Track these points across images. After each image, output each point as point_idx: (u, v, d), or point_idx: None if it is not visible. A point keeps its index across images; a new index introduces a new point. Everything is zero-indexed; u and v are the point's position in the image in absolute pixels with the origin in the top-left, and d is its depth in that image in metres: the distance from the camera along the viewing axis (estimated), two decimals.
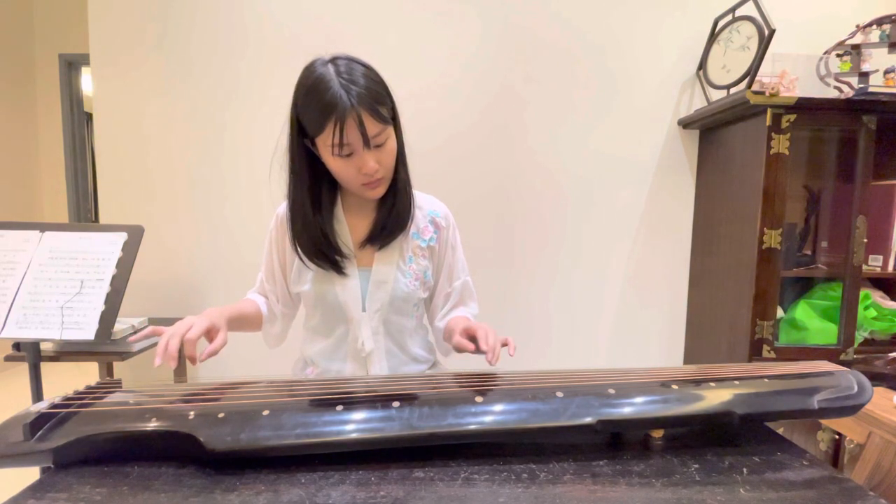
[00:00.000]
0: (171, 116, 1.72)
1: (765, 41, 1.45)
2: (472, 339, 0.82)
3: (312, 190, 0.86)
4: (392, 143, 0.82)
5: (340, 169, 0.80)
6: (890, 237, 1.57)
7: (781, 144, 1.42)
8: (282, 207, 0.93)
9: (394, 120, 0.83)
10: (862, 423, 1.00)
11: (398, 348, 0.95)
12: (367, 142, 0.77)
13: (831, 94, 1.50)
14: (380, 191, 0.85)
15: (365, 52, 0.84)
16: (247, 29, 1.69)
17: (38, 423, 0.56)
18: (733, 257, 1.58)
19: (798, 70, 1.51)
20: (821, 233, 1.71)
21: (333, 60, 0.77)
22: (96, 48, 1.69)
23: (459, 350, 0.84)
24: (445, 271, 0.99)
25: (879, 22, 1.46)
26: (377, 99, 0.77)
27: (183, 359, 0.74)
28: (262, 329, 0.99)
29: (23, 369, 1.27)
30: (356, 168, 0.79)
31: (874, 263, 1.61)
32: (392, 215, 0.88)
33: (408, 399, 0.59)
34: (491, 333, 0.80)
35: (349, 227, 0.90)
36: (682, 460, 0.57)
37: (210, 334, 0.77)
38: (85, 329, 1.11)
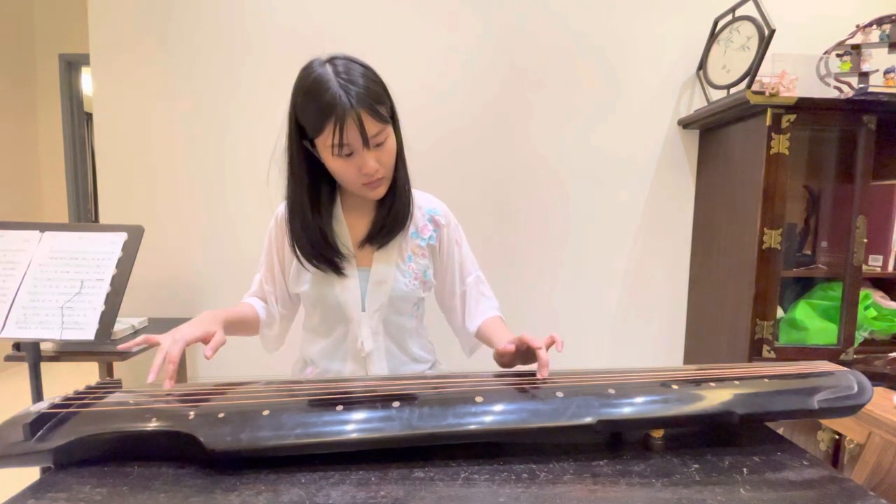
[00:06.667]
0: (172, 116, 1.72)
1: (765, 41, 1.45)
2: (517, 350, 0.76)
3: (311, 191, 0.85)
4: (392, 143, 0.82)
5: (341, 169, 0.80)
6: (890, 237, 1.57)
7: (781, 144, 1.42)
8: (281, 208, 0.93)
9: (393, 119, 0.82)
10: (862, 423, 1.00)
11: (398, 348, 0.95)
12: (366, 142, 0.76)
13: (831, 94, 1.50)
14: (381, 190, 0.85)
15: (365, 51, 0.84)
16: (247, 28, 1.69)
17: (38, 423, 0.56)
18: (733, 257, 1.58)
19: (798, 70, 1.51)
20: (821, 233, 1.70)
21: (331, 60, 0.77)
22: (96, 48, 1.68)
23: (510, 366, 0.78)
24: (455, 269, 0.98)
25: (879, 22, 1.46)
26: (376, 98, 0.77)
27: (183, 359, 0.74)
28: (259, 333, 0.98)
29: (23, 369, 1.27)
30: (356, 168, 0.79)
31: (874, 263, 1.61)
32: (391, 214, 0.88)
33: (408, 399, 0.59)
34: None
35: (348, 226, 0.90)
36: (682, 460, 0.57)
37: (205, 339, 0.76)
38: (85, 329, 1.11)
